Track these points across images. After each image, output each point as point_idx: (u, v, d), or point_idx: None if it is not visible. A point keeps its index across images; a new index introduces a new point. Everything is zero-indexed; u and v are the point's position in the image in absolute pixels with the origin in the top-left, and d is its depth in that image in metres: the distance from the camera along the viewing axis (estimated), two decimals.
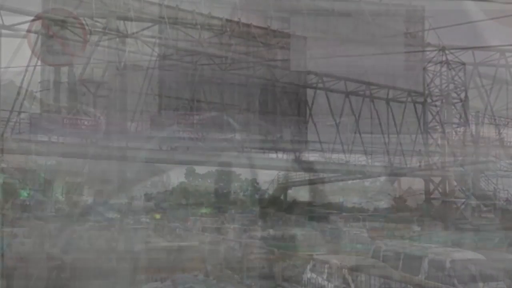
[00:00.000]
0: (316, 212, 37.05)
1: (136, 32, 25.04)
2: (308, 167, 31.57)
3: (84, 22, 23.43)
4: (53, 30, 22.84)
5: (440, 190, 32.61)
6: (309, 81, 30.02)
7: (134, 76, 24.72)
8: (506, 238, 22.07)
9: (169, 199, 58.98)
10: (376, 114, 30.48)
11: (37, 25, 22.54)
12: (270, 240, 22.95)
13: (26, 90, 21.83)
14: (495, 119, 35.90)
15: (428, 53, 35.46)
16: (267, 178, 46.28)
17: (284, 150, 28.63)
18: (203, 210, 48.13)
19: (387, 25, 38.51)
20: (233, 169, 48.96)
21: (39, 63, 22.17)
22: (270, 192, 47.05)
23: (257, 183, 51.77)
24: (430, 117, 33.09)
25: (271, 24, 30.32)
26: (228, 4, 33.45)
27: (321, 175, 37.23)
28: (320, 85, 29.44)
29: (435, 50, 33.08)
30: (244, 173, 53.16)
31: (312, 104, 29.10)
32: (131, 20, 25.06)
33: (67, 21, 23.10)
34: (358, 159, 30.64)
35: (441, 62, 32.61)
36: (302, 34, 31.30)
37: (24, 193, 41.52)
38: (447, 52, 32.10)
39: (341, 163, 29.82)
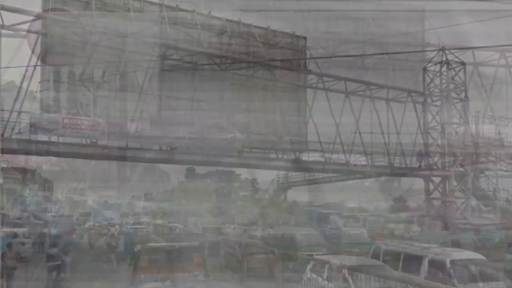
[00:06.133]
0: (316, 212, 37.09)
1: (136, 32, 25.01)
2: (308, 167, 31.56)
3: (84, 22, 23.41)
4: (53, 30, 22.82)
5: (440, 190, 32.60)
6: (309, 81, 30.01)
7: (134, 76, 24.69)
8: (506, 238, 22.07)
9: (169, 199, 59.11)
10: (376, 114, 30.47)
11: (37, 25, 22.51)
12: (270, 240, 22.97)
13: (26, 90, 21.80)
14: (495, 119, 35.90)
15: (428, 53, 35.48)
16: (267, 178, 46.36)
17: (284, 150, 28.59)
18: (203, 210, 48.23)
19: (387, 25, 38.56)
20: (233, 169, 49.07)
21: (39, 63, 22.13)
22: (270, 192, 47.10)
23: (257, 183, 51.85)
24: (430, 117, 33.09)
25: (271, 24, 30.30)
26: (228, 4, 33.50)
27: (321, 175, 37.28)
28: (320, 85, 29.42)
29: (435, 50, 33.07)
30: (244, 173, 53.29)
31: (312, 104, 29.08)
32: (131, 20, 25.04)
33: (67, 21, 23.09)
34: (358, 159, 30.61)
35: (441, 62, 32.59)
36: (302, 34, 31.30)
37: (25, 193, 41.58)
38: (447, 52, 32.08)
39: (341, 163, 29.79)
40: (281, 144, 28.16)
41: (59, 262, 14.31)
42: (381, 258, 13.02)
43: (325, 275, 11.17)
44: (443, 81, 32.67)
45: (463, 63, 32.64)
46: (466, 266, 11.24)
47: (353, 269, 10.15)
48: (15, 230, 22.28)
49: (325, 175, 36.96)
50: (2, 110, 21.24)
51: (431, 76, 33.22)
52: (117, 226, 34.23)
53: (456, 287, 10.36)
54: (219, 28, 27.95)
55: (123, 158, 25.20)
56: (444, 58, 32.42)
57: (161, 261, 11.96)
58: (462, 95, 32.88)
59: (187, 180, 59.00)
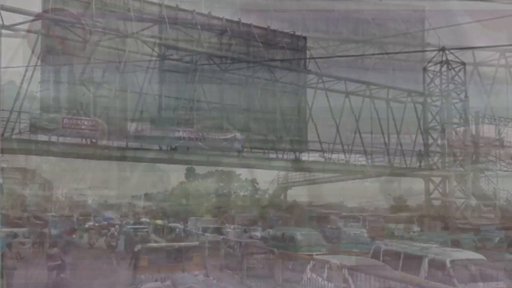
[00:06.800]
0: (316, 212, 37.10)
1: (136, 32, 25.02)
2: (308, 167, 31.56)
3: (84, 22, 23.40)
4: (53, 30, 22.82)
5: (440, 190, 32.60)
6: (309, 81, 30.01)
7: (134, 76, 24.70)
8: (506, 238, 22.09)
9: (169, 199, 59.06)
10: (376, 114, 30.47)
11: (37, 25, 22.52)
12: (270, 240, 22.96)
13: (26, 90, 21.81)
14: (495, 119, 35.90)
15: (428, 53, 35.51)
16: (267, 178, 46.36)
17: (284, 150, 28.60)
18: (203, 210, 48.20)
19: (387, 25, 38.60)
20: (233, 169, 49.02)
21: (39, 63, 22.14)
22: (270, 192, 47.09)
23: (257, 183, 51.80)
24: (430, 117, 33.09)
25: (271, 24, 30.31)
26: (228, 4, 33.50)
27: (321, 175, 37.28)
28: (320, 85, 29.42)
29: (435, 50, 33.08)
30: (244, 173, 53.19)
31: (312, 104, 29.09)
32: (131, 20, 25.04)
33: (67, 21, 23.09)
34: (358, 159, 30.62)
35: (441, 62, 32.60)
36: (302, 34, 31.31)
37: (25, 193, 41.58)
38: (447, 52, 32.08)
39: (341, 163, 29.80)
40: (281, 144, 28.16)
41: (59, 262, 14.30)
42: (381, 258, 13.02)
43: (325, 275, 11.16)
44: (443, 81, 32.68)
45: (463, 63, 32.65)
46: (466, 266, 11.23)
47: (353, 269, 10.14)
48: (15, 230, 22.27)
49: (325, 175, 36.96)
50: (2, 110, 21.24)
51: (431, 76, 33.22)
52: (117, 226, 34.27)
53: (456, 287, 10.35)
54: (219, 28, 27.93)
55: (123, 158, 25.19)
56: (444, 58, 32.43)
57: (161, 261, 11.96)
58: (462, 95, 32.89)
59: (187, 180, 58.88)
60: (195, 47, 26.49)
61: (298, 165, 30.00)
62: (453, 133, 32.52)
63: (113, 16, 24.76)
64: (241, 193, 54.29)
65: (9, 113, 21.23)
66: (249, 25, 28.84)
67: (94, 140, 23.24)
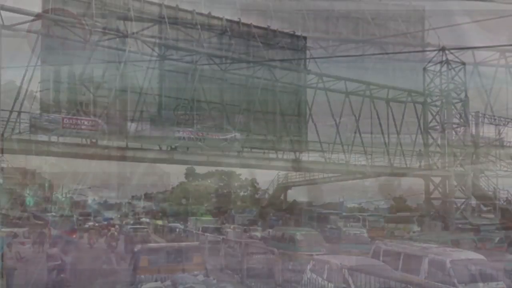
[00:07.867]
0: (316, 212, 37.11)
1: (136, 32, 25.02)
2: (308, 167, 31.56)
3: (84, 22, 23.40)
4: (53, 30, 22.82)
5: (440, 190, 32.60)
6: (309, 81, 30.01)
7: (134, 76, 24.70)
8: (506, 238, 22.10)
9: (169, 199, 59.07)
10: (376, 114, 30.46)
11: (37, 25, 22.52)
12: (270, 240, 22.97)
13: (26, 90, 21.81)
14: (495, 119, 35.89)
15: (428, 53, 35.49)
16: (267, 178, 46.35)
17: (284, 150, 28.60)
18: (203, 210, 48.21)
19: (387, 25, 38.61)
20: (233, 169, 49.02)
21: (39, 63, 22.15)
22: (270, 192, 47.10)
23: (257, 183, 51.81)
24: (430, 117, 33.09)
25: (271, 24, 30.31)
26: (228, 4, 33.50)
27: (321, 175, 37.29)
28: (320, 85, 29.42)
29: (435, 50, 33.06)
30: (244, 173, 53.18)
31: (312, 104, 29.09)
32: (131, 20, 25.04)
33: (67, 21, 23.09)
34: (358, 159, 30.62)
35: (441, 62, 32.59)
36: (302, 34, 31.30)
37: (25, 193, 41.60)
38: (447, 52, 32.07)
39: (341, 163, 29.80)
40: (281, 144, 28.16)
41: (59, 262, 14.30)
42: (381, 258, 13.01)
43: (325, 275, 11.16)
44: (443, 81, 32.67)
45: (463, 63, 32.64)
46: (466, 266, 11.23)
47: (353, 269, 10.13)
48: (15, 230, 22.29)
49: (325, 175, 36.97)
50: (2, 110, 21.24)
51: (431, 76, 33.21)
52: (117, 226, 34.29)
53: (456, 287, 10.35)
54: (219, 28, 27.93)
55: (123, 158, 25.19)
56: (444, 58, 32.41)
57: (161, 261, 11.97)
58: (462, 95, 32.87)
59: (187, 180, 58.87)
60: (195, 47, 26.48)
61: (298, 165, 30.00)
62: (453, 133, 32.51)
63: (113, 16, 24.76)
64: (241, 193, 54.29)
65: (9, 113, 21.22)
66: (249, 25, 28.84)
67: (94, 140, 23.23)
